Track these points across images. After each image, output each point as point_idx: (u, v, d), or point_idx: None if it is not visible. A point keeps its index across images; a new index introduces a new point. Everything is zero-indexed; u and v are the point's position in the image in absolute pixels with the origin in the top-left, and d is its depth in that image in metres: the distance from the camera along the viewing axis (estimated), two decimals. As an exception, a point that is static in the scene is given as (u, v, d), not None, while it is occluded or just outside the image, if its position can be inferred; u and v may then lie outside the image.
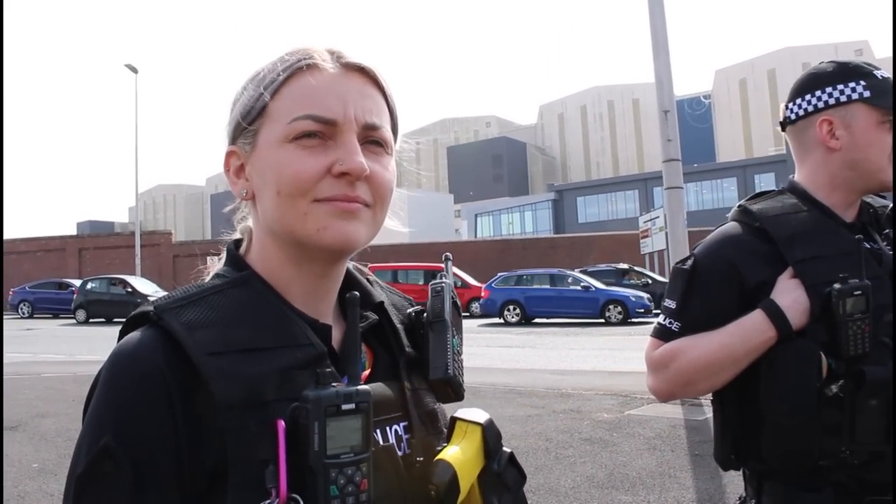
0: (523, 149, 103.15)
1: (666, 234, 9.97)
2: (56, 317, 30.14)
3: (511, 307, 22.84)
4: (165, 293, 0.90)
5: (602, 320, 21.68)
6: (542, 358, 13.77)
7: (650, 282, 25.86)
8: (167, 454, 0.80)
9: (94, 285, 28.07)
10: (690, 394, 1.73)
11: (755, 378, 1.61)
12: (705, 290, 1.69)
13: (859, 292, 1.52)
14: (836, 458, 1.54)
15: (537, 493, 5.26)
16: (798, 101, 1.76)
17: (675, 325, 1.71)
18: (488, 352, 14.76)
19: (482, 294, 24.05)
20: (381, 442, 0.90)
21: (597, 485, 5.42)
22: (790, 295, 1.59)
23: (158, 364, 0.82)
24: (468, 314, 25.57)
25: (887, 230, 1.74)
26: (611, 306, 21.73)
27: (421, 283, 25.24)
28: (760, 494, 1.67)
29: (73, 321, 27.23)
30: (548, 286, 23.00)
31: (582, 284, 22.51)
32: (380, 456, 0.86)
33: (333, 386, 0.80)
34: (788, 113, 1.79)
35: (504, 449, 0.98)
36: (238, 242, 1.02)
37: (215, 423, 0.79)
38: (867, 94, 1.67)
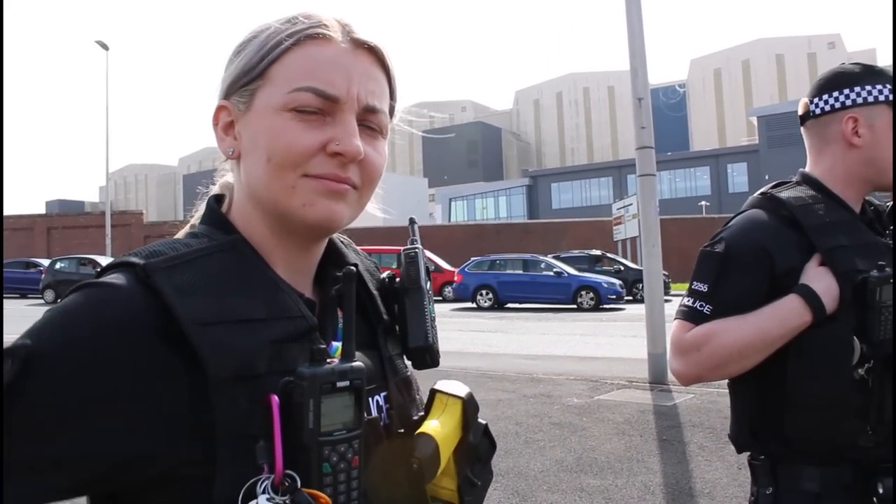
0: (498, 134, 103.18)
1: (639, 221, 10.03)
2: (24, 297, 29.69)
3: (484, 292, 22.89)
4: (148, 246, 0.85)
5: (574, 306, 21.80)
6: (514, 343, 13.82)
7: (622, 268, 26.03)
8: (104, 405, 0.73)
9: (62, 265, 27.67)
10: (718, 377, 1.75)
11: (780, 361, 1.65)
12: (738, 274, 1.72)
13: (893, 280, 1.59)
14: (857, 438, 1.60)
15: (507, 476, 5.30)
16: (825, 96, 1.81)
17: (706, 308, 1.73)
18: (460, 336, 14.79)
19: (455, 278, 24.06)
20: (366, 415, 0.89)
21: (566, 469, 5.47)
22: (822, 281, 1.64)
23: (139, 316, 0.77)
24: (441, 298, 25.59)
25: (889, 228, 1.80)
26: (583, 292, 21.85)
27: (395, 266, 25.04)
28: (776, 478, 1.71)
29: (42, 301, 26.85)
30: (521, 271, 23.06)
31: (555, 270, 22.60)
32: (366, 429, 0.84)
33: (329, 363, 0.78)
34: (812, 107, 1.83)
35: (479, 421, 0.99)
36: (219, 198, 0.98)
37: (203, 394, 0.75)
38: (892, 97, 1.76)
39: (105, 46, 32.67)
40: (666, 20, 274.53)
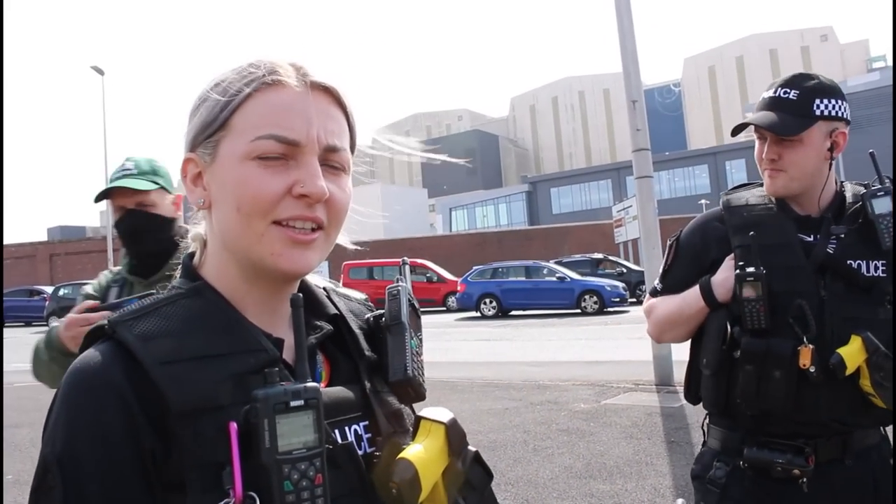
0: (496, 141, 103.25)
1: (639, 223, 10.02)
2: (28, 325, 29.69)
3: (487, 300, 22.85)
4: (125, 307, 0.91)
5: (578, 311, 21.74)
6: (519, 350, 13.81)
7: (625, 271, 25.96)
8: (121, 467, 0.80)
9: (66, 291, 27.60)
10: (665, 340, 2.21)
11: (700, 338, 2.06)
12: (680, 262, 2.14)
13: (752, 279, 1.85)
14: (737, 407, 1.92)
15: (516, 485, 5.29)
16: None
17: (659, 286, 2.20)
18: (465, 346, 14.79)
19: (458, 288, 24.03)
20: (340, 441, 0.91)
21: (575, 475, 5.46)
22: (723, 274, 1.96)
23: (114, 380, 0.82)
24: (444, 308, 25.56)
25: (843, 225, 1.94)
26: (586, 296, 21.80)
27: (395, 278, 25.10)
28: (708, 434, 2.12)
29: (46, 329, 26.80)
30: (523, 278, 23.03)
31: (557, 275, 22.57)
32: (338, 454, 0.87)
33: (282, 384, 0.81)
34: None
35: (469, 448, 0.99)
36: (192, 255, 1.02)
37: (175, 429, 0.80)
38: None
39: (100, 71, 32.76)
40: (658, 20, 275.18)
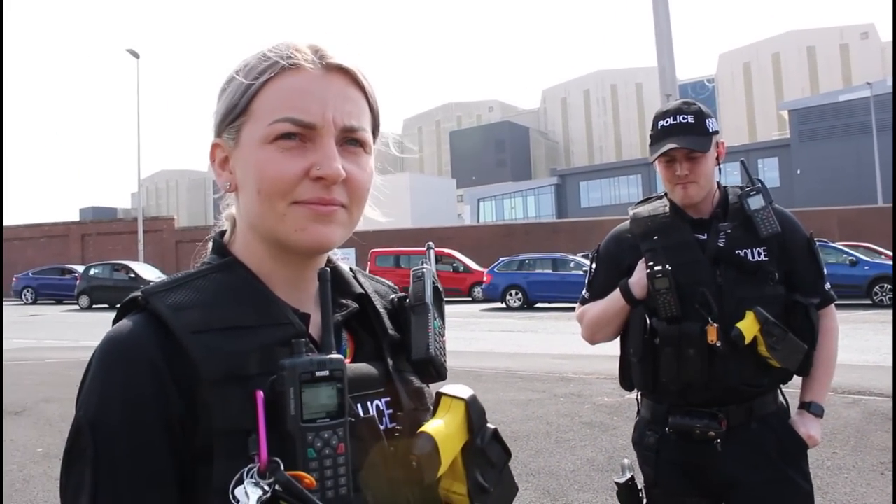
0: (526, 133, 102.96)
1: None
2: (59, 303, 30.16)
3: (513, 292, 22.81)
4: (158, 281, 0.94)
5: (604, 305, 21.56)
6: (544, 342, 13.79)
7: (652, 266, 25.71)
8: (149, 431, 0.83)
9: (97, 271, 28.01)
10: (597, 340, 2.48)
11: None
12: (600, 271, 2.48)
13: (661, 275, 2.17)
14: (663, 385, 2.23)
15: (538, 476, 5.30)
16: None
17: (587, 294, 2.50)
18: (490, 336, 14.79)
19: (484, 279, 24.01)
20: (362, 414, 0.93)
21: (597, 468, 5.46)
22: (637, 275, 2.28)
23: (147, 348, 0.85)
24: (470, 299, 25.59)
25: (728, 222, 2.29)
26: (613, 291, 21.63)
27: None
28: (640, 407, 2.44)
29: (77, 307, 27.24)
30: (550, 271, 22.95)
31: (584, 269, 22.37)
32: (360, 427, 0.89)
33: (308, 355, 0.84)
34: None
35: (488, 425, 1.00)
36: (224, 233, 1.05)
37: (203, 397, 0.83)
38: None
39: (136, 55, 33.08)
40: (694, 14, 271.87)
